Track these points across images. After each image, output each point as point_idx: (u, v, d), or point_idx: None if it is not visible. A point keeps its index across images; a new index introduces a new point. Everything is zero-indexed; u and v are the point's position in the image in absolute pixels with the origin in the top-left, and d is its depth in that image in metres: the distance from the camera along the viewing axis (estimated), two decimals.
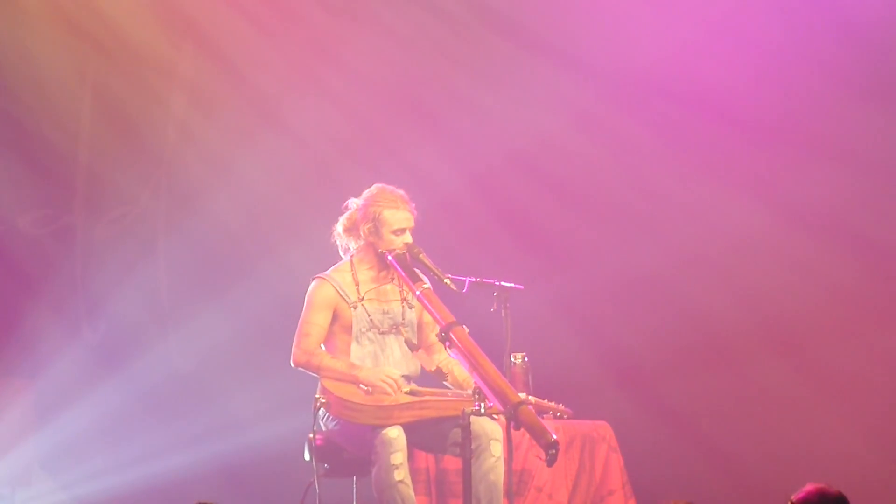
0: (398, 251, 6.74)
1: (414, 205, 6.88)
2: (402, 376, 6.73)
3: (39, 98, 9.27)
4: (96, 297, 9.33)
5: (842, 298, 9.14)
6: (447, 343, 6.34)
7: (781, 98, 9.29)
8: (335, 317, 6.82)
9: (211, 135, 9.48)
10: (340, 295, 6.81)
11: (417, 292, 6.56)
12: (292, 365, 6.79)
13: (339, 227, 6.96)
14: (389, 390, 6.56)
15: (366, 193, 6.93)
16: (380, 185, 6.95)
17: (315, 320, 6.80)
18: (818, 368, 9.19)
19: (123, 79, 9.45)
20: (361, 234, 6.84)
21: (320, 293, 6.83)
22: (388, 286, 6.91)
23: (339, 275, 6.88)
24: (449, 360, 6.85)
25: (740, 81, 9.32)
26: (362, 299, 6.84)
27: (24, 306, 9.08)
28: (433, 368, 6.86)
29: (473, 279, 6.80)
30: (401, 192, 6.89)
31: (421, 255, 6.73)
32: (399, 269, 6.72)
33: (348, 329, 6.79)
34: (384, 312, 6.86)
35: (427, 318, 6.85)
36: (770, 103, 9.30)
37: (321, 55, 9.50)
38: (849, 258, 9.09)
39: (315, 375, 6.72)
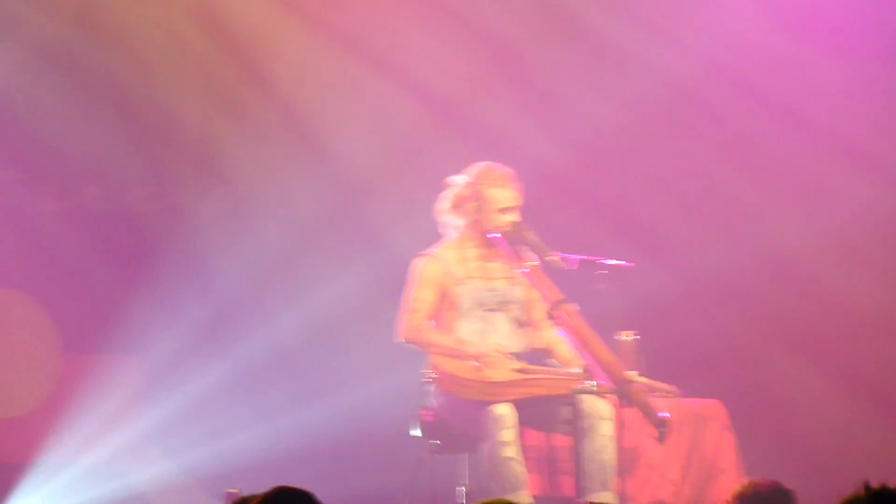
0: (505, 229, 6.73)
1: (521, 184, 6.86)
2: (510, 353, 6.73)
3: (146, 77, 9.35)
4: (205, 274, 9.41)
5: None
6: (556, 320, 6.33)
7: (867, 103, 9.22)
8: (442, 294, 6.82)
9: (314, 111, 9.51)
10: (447, 272, 6.81)
11: (525, 270, 6.56)
12: (401, 341, 6.80)
13: (444, 205, 6.96)
14: (498, 364, 6.55)
15: (472, 170, 6.91)
16: (487, 162, 6.93)
17: (422, 296, 6.80)
18: None
19: (226, 60, 9.50)
20: (467, 211, 6.83)
21: (427, 270, 6.84)
22: (495, 264, 6.89)
23: (446, 252, 6.88)
24: (556, 338, 6.82)
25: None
26: (469, 276, 6.83)
27: (134, 284, 9.18)
28: (541, 346, 6.84)
29: (581, 257, 6.79)
30: (508, 170, 6.87)
31: (528, 234, 6.71)
32: (506, 247, 6.71)
33: (455, 306, 6.79)
34: (491, 290, 6.85)
35: (533, 295, 6.83)
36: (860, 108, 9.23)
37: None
38: None
39: (423, 351, 6.73)
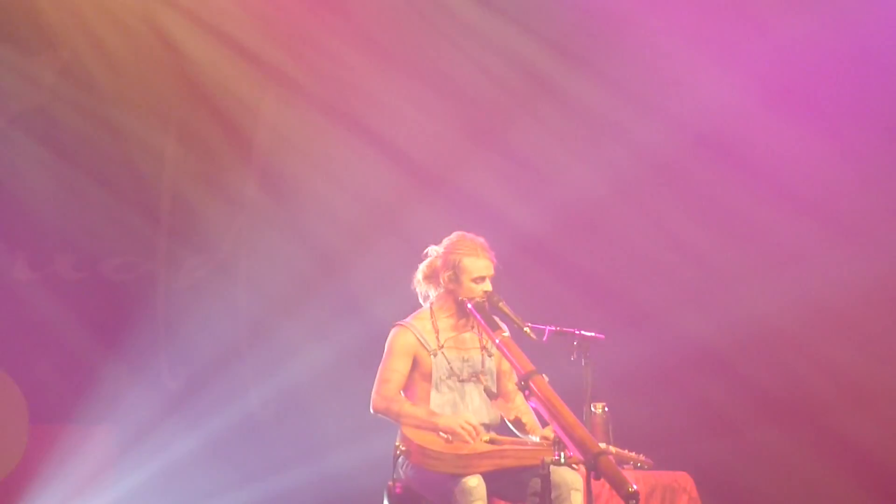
0: (477, 299, 6.75)
1: (493, 253, 6.89)
2: (482, 424, 6.73)
3: (123, 145, 9.37)
4: (177, 344, 9.39)
5: None
6: (526, 392, 6.33)
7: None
8: (415, 364, 6.83)
9: (290, 179, 9.54)
10: (420, 342, 6.82)
11: (497, 340, 6.56)
12: (372, 411, 6.80)
13: (418, 275, 6.99)
14: (468, 437, 6.55)
15: (446, 241, 6.95)
16: (460, 232, 6.97)
17: (395, 367, 6.81)
18: None
19: (206, 126, 9.53)
20: (441, 281, 6.86)
21: (400, 340, 6.85)
22: (468, 334, 6.91)
23: (419, 322, 6.89)
24: (527, 409, 6.82)
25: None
26: (442, 347, 6.84)
27: (106, 353, 9.15)
28: (512, 417, 6.84)
29: (553, 328, 6.81)
30: (481, 240, 6.91)
31: (500, 304, 6.73)
32: (478, 317, 6.72)
33: (428, 377, 6.80)
34: (464, 360, 6.86)
35: (506, 366, 6.85)
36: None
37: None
38: None
39: (394, 422, 6.73)
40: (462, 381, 6.82)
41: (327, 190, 9.48)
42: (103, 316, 9.30)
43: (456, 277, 6.82)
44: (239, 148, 9.60)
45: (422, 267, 6.98)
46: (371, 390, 6.82)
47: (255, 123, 9.62)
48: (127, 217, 9.42)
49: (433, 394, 6.78)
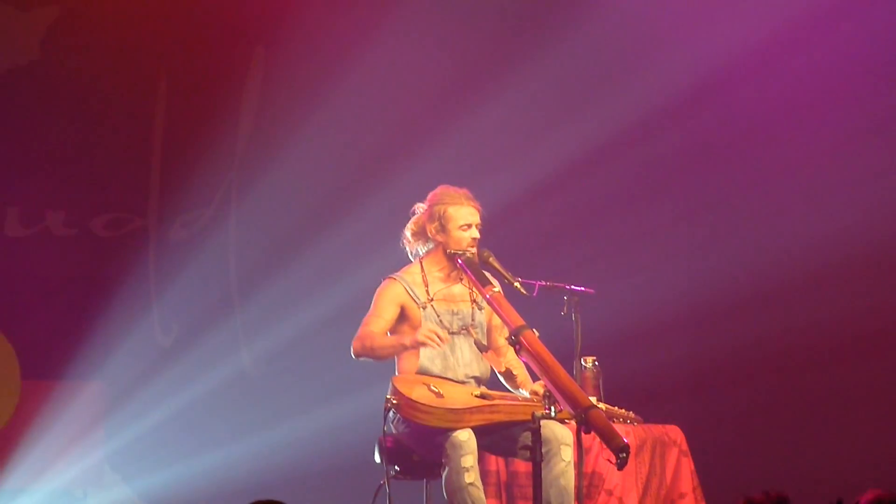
0: (467, 254, 6.74)
1: (479, 202, 6.89)
2: (472, 377, 6.75)
3: (113, 101, 9.34)
4: (169, 300, 9.39)
5: None
6: (517, 347, 6.34)
7: None
8: (404, 317, 6.83)
9: (281, 133, 9.51)
10: (410, 295, 6.83)
11: (487, 296, 6.56)
12: (353, 356, 6.80)
13: (406, 232, 6.99)
14: (433, 343, 6.55)
15: (429, 195, 6.96)
16: (443, 185, 6.97)
17: (378, 313, 6.81)
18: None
19: (197, 80, 9.50)
20: (429, 234, 6.86)
21: (388, 291, 6.85)
22: (458, 287, 6.91)
23: (409, 275, 6.90)
24: (517, 363, 6.83)
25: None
26: (432, 300, 6.84)
27: (97, 309, 9.15)
28: (503, 370, 6.85)
29: (544, 283, 6.81)
30: (464, 190, 6.91)
31: (490, 259, 6.74)
32: (468, 272, 6.73)
33: (418, 326, 6.80)
34: (453, 313, 6.87)
35: (496, 321, 6.85)
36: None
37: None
38: None
39: (373, 358, 6.71)
40: (452, 333, 6.83)
41: (318, 145, 9.46)
42: (94, 272, 9.29)
43: (443, 228, 6.83)
44: (230, 103, 9.57)
45: (409, 224, 6.98)
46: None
47: (246, 78, 9.59)
48: (118, 173, 9.39)
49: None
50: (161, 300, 9.40)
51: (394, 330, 6.84)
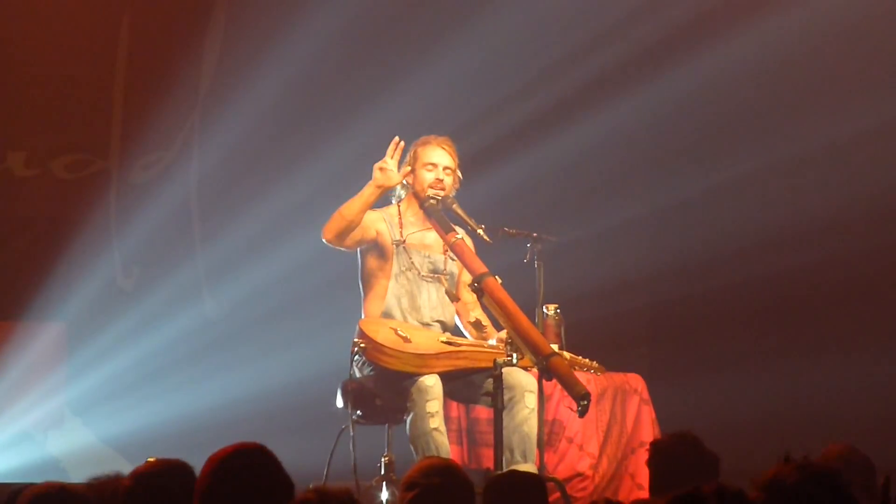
0: (430, 200, 6.74)
1: (451, 148, 6.87)
2: (437, 321, 6.77)
3: (75, 42, 9.26)
4: (130, 242, 9.35)
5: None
6: (479, 293, 6.36)
7: None
8: (377, 250, 6.80)
9: (244, 75, 9.46)
10: (387, 226, 6.82)
11: (451, 241, 6.58)
12: (325, 240, 6.74)
13: None
14: (388, 166, 6.59)
15: None
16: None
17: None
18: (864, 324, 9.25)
19: (159, 22, 9.43)
20: (404, 180, 6.85)
21: (370, 215, 6.80)
22: (432, 235, 6.90)
23: (387, 213, 6.90)
24: (481, 312, 6.85)
25: None
26: (404, 241, 6.84)
27: (59, 251, 9.11)
28: (472, 320, 6.86)
29: (507, 230, 6.83)
30: (443, 137, 6.90)
31: (454, 206, 6.74)
32: (432, 217, 6.73)
33: (388, 267, 6.79)
34: (425, 256, 6.87)
35: (466, 275, 6.83)
36: None
37: None
38: None
39: (340, 226, 6.64)
40: (422, 276, 6.83)
41: (282, 85, 9.41)
42: (55, 213, 9.24)
43: (413, 171, 6.83)
44: (192, 44, 9.50)
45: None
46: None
47: (209, 18, 9.52)
48: (79, 114, 9.33)
49: (391, 283, 6.78)
50: (122, 243, 9.35)
51: (365, 268, 6.83)
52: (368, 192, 6.70)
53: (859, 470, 4.43)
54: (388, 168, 6.70)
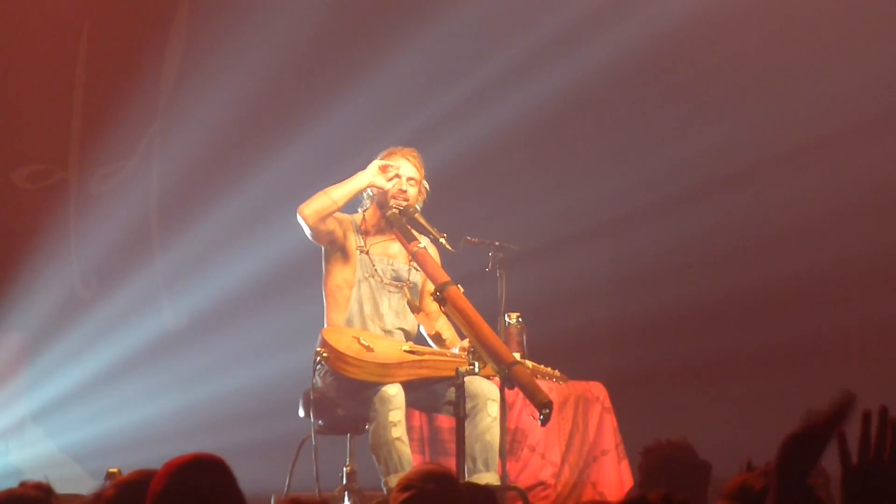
0: (393, 209, 6.74)
1: (417, 160, 6.86)
2: (400, 329, 6.77)
3: (34, 51, 9.23)
4: (88, 253, 9.31)
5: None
6: (441, 302, 6.37)
7: None
8: (342, 250, 6.78)
9: (204, 86, 9.44)
10: (353, 228, 6.82)
11: (413, 251, 6.58)
12: (299, 218, 6.69)
13: None
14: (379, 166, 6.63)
15: None
16: None
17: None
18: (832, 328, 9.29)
19: (119, 31, 9.40)
20: (366, 191, 6.84)
21: (338, 215, 6.78)
22: (396, 246, 6.90)
23: (352, 221, 6.89)
24: (444, 322, 6.85)
25: None
26: (367, 249, 6.83)
27: (18, 261, 9.06)
28: (433, 332, 6.87)
29: (469, 238, 6.84)
30: (409, 149, 6.90)
31: (416, 215, 6.74)
32: (394, 226, 6.73)
33: (351, 272, 6.78)
34: (388, 264, 6.87)
35: (430, 285, 6.81)
36: None
37: None
38: None
39: (322, 209, 6.61)
40: (384, 284, 6.83)
41: (242, 98, 9.40)
42: (14, 223, 9.20)
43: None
44: (153, 54, 9.48)
45: None
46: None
47: (170, 29, 9.50)
48: (39, 124, 9.29)
49: (353, 290, 6.77)
50: (81, 254, 9.31)
51: (329, 276, 6.82)
52: (358, 181, 6.70)
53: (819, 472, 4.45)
54: (389, 173, 6.70)
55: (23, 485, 3.86)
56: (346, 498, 6.59)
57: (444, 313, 6.54)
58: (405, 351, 6.62)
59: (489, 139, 9.56)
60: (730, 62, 9.51)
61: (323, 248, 6.86)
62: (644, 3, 9.46)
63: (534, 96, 9.55)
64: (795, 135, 9.35)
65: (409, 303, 6.81)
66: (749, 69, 9.54)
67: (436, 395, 6.69)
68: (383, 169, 6.73)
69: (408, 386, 6.52)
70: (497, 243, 6.91)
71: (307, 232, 6.73)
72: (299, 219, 6.68)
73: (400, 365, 6.53)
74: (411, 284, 6.91)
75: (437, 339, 6.83)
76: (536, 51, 9.53)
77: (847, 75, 9.22)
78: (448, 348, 6.76)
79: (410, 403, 6.65)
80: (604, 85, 9.75)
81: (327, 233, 6.74)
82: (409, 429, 6.86)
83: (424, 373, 6.59)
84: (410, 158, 6.85)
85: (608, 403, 7.86)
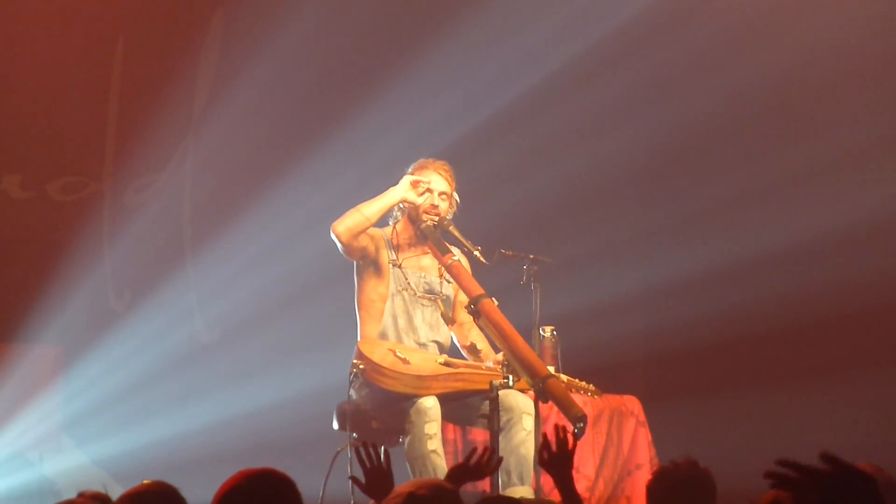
0: (427, 222, 6.74)
1: (448, 173, 6.86)
2: (434, 342, 6.76)
3: (70, 64, 9.26)
4: (122, 265, 9.34)
5: None
6: (475, 315, 6.36)
7: None
8: (374, 264, 6.79)
9: (239, 100, 9.46)
10: (385, 243, 6.82)
11: (447, 263, 6.58)
12: (332, 235, 6.70)
13: None
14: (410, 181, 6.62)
15: None
16: None
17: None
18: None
19: (154, 44, 9.43)
20: (399, 205, 6.85)
21: (371, 230, 6.79)
22: (429, 257, 6.90)
23: (384, 234, 6.89)
24: (478, 335, 6.85)
25: None
26: (400, 263, 6.84)
27: (52, 273, 9.09)
28: (468, 344, 6.86)
29: (504, 251, 6.82)
30: (440, 161, 6.90)
31: (451, 228, 6.74)
32: (428, 239, 6.73)
33: (384, 286, 6.78)
34: (421, 277, 6.87)
35: (463, 296, 6.81)
36: None
37: None
38: None
39: (355, 225, 6.62)
40: (417, 297, 6.83)
41: (276, 110, 9.42)
42: (50, 235, 9.23)
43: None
44: (187, 67, 9.50)
45: None
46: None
47: (204, 41, 9.53)
48: (74, 136, 9.32)
49: (387, 304, 6.78)
50: (114, 265, 9.34)
51: (362, 289, 6.82)
52: (390, 196, 6.73)
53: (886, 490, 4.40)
54: (421, 187, 6.70)
55: (81, 495, 3.87)
56: None
57: (479, 326, 6.53)
58: (440, 363, 6.62)
59: (524, 150, 9.56)
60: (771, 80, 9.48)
61: (354, 263, 6.88)
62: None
63: (569, 109, 9.53)
64: (832, 151, 9.30)
65: (442, 315, 6.81)
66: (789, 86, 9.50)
67: (470, 408, 6.68)
68: (414, 184, 6.74)
69: (442, 399, 6.52)
70: (531, 256, 6.89)
71: (340, 249, 6.76)
72: (332, 236, 6.70)
73: (436, 377, 6.53)
74: (444, 297, 6.91)
75: (472, 349, 6.83)
76: (569, 66, 9.51)
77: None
78: (482, 359, 6.75)
79: (445, 416, 6.64)
80: (632, 98, 9.73)
81: (360, 249, 6.76)
82: (444, 442, 6.85)
83: (459, 385, 6.58)
84: (442, 172, 6.85)
85: (643, 417, 7.83)
